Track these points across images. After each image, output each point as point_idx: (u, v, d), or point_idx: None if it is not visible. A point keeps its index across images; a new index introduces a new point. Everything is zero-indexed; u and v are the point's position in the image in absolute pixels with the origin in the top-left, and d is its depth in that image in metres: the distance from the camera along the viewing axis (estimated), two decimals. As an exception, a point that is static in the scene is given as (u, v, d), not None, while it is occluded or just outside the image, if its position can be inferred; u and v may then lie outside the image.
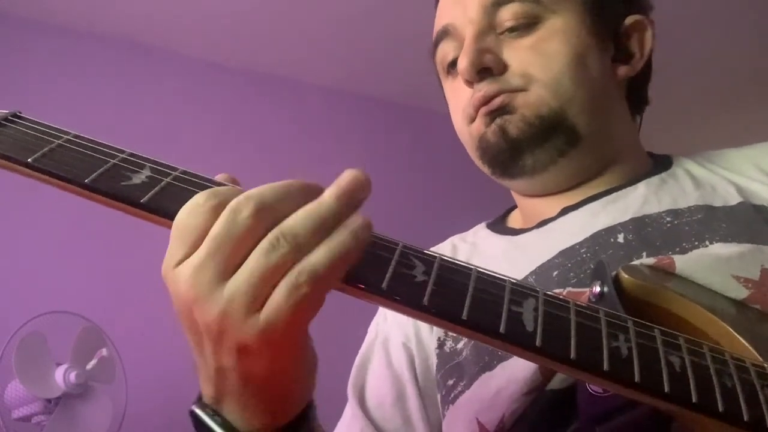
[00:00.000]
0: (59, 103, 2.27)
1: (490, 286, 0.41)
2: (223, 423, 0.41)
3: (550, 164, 0.69)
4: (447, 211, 2.28)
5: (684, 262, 0.57)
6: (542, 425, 0.56)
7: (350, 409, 0.72)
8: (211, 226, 0.38)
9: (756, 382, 0.41)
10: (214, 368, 0.40)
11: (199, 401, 0.43)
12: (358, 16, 2.44)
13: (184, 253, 0.38)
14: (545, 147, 0.68)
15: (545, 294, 0.42)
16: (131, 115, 2.41)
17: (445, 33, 0.74)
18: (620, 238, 0.63)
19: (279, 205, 0.39)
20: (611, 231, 0.64)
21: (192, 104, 2.56)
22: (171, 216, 0.40)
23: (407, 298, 0.39)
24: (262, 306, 0.37)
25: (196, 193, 0.40)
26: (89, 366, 1.79)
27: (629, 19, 0.73)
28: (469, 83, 0.70)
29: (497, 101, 0.68)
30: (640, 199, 0.67)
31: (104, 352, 1.82)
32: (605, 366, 0.39)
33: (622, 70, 0.73)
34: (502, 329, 0.39)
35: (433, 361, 0.69)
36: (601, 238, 0.64)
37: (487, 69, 0.68)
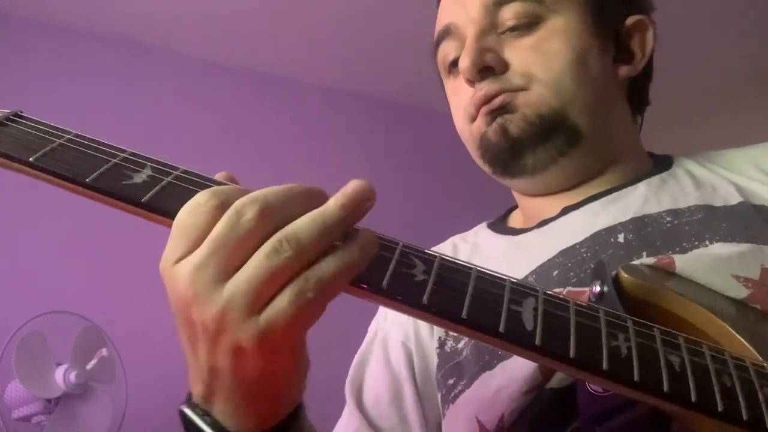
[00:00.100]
0: (59, 103, 2.27)
1: (489, 285, 0.41)
2: (213, 423, 0.41)
3: (551, 163, 0.69)
4: (447, 211, 2.28)
5: (684, 262, 0.57)
6: (542, 424, 0.56)
7: (347, 408, 0.73)
8: (212, 225, 0.38)
9: (755, 382, 0.41)
10: (207, 368, 0.40)
11: (189, 401, 0.43)
12: (358, 16, 2.44)
13: (184, 251, 0.38)
14: (546, 146, 0.68)
15: (545, 293, 0.42)
16: (131, 115, 2.41)
17: (447, 32, 0.74)
18: (620, 238, 0.63)
19: (282, 208, 0.39)
20: (611, 231, 0.64)
21: (192, 104, 2.56)
22: (172, 215, 0.40)
23: (407, 297, 0.39)
24: (261, 308, 0.37)
25: (197, 192, 0.40)
26: (89, 366, 1.79)
27: (630, 20, 0.73)
28: (471, 82, 0.70)
29: (498, 100, 0.68)
30: (640, 199, 0.67)
31: (104, 352, 1.82)
32: (604, 365, 0.39)
33: (624, 70, 0.73)
34: (501, 328, 0.39)
35: (433, 360, 0.70)
36: (601, 238, 0.64)
37: (488, 68, 0.68)
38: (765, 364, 0.43)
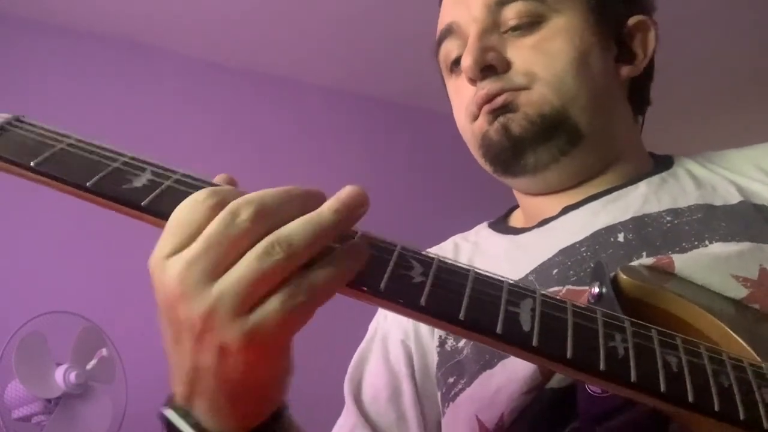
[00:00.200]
0: (59, 103, 2.27)
1: (487, 286, 0.41)
2: (195, 424, 0.41)
3: (552, 163, 0.69)
4: (446, 211, 2.28)
5: (683, 262, 0.57)
6: (542, 424, 0.56)
7: (346, 405, 0.73)
8: (207, 223, 0.38)
9: (753, 382, 0.41)
10: (190, 367, 0.40)
11: (170, 403, 0.42)
12: (358, 16, 2.44)
13: (175, 247, 0.38)
14: (547, 145, 0.68)
15: (542, 294, 0.42)
16: (131, 115, 2.41)
17: (449, 31, 0.74)
18: (620, 238, 0.63)
19: (278, 211, 0.39)
20: (611, 230, 0.64)
21: (192, 104, 2.56)
22: None
23: (405, 299, 0.40)
24: (249, 309, 0.37)
25: None
26: (89, 366, 1.79)
27: (632, 20, 0.74)
28: (473, 81, 0.70)
29: (500, 99, 0.68)
30: (640, 198, 0.67)
31: (104, 352, 1.82)
32: (602, 366, 0.39)
33: (625, 70, 0.73)
34: (498, 329, 0.39)
35: (434, 359, 0.70)
36: (601, 237, 0.64)
37: (490, 67, 0.69)
38: (763, 365, 0.43)
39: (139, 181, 0.43)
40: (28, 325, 1.77)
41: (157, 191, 0.42)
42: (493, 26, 0.70)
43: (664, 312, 0.49)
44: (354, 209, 0.40)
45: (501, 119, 0.69)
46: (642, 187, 0.69)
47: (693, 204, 0.65)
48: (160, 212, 0.41)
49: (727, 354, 0.43)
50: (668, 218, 0.63)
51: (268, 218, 0.38)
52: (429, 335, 0.71)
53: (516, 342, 0.39)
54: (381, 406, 0.70)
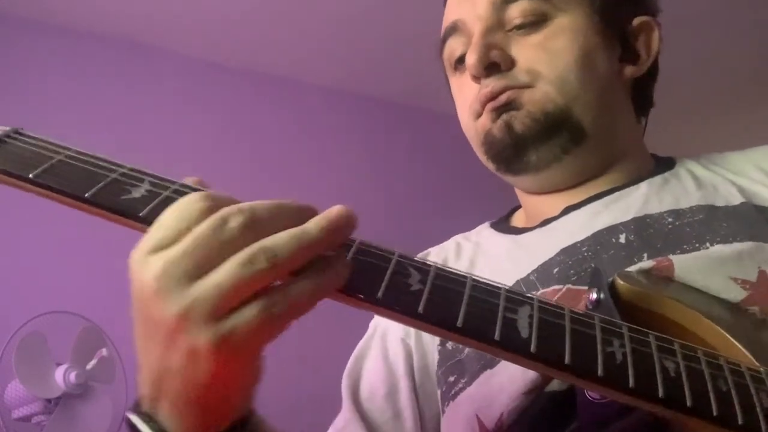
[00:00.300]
0: (59, 103, 2.28)
1: (485, 293, 0.41)
2: (159, 429, 0.40)
3: (554, 161, 0.69)
4: (446, 211, 2.28)
5: (683, 264, 0.57)
6: (542, 425, 0.57)
7: (343, 401, 0.73)
8: (196, 225, 0.38)
9: (751, 387, 0.41)
10: (158, 368, 0.40)
11: (136, 407, 0.42)
12: (358, 16, 2.44)
13: (160, 243, 0.38)
14: (550, 144, 0.68)
15: (540, 301, 0.42)
16: (131, 115, 2.41)
17: (454, 29, 0.74)
18: (621, 238, 0.63)
19: (268, 223, 0.39)
20: (612, 230, 0.64)
21: (192, 104, 2.56)
22: None
23: (403, 307, 0.40)
24: (224, 315, 0.37)
25: None
26: (89, 366, 1.79)
27: (637, 20, 0.74)
28: (477, 79, 0.70)
29: (504, 97, 0.68)
30: (641, 199, 0.67)
31: (104, 352, 1.82)
32: (600, 371, 0.39)
33: (629, 71, 0.73)
34: (497, 336, 0.39)
35: (434, 357, 0.70)
36: (602, 238, 0.64)
37: (494, 65, 0.69)
38: (761, 369, 0.43)
39: (138, 192, 0.43)
40: (28, 325, 1.77)
41: (155, 201, 0.42)
42: (497, 24, 0.70)
43: (662, 317, 0.49)
44: (340, 229, 0.40)
45: (504, 117, 0.69)
46: (643, 188, 0.69)
47: (695, 205, 0.65)
48: None
49: (725, 359, 0.43)
50: (670, 219, 0.63)
51: (256, 228, 0.38)
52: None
53: (514, 348, 0.39)
54: (377, 403, 0.70)
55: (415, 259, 0.43)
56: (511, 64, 0.69)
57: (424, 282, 0.41)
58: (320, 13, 2.42)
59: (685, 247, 0.60)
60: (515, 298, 0.42)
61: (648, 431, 0.47)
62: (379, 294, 0.40)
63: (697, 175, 0.70)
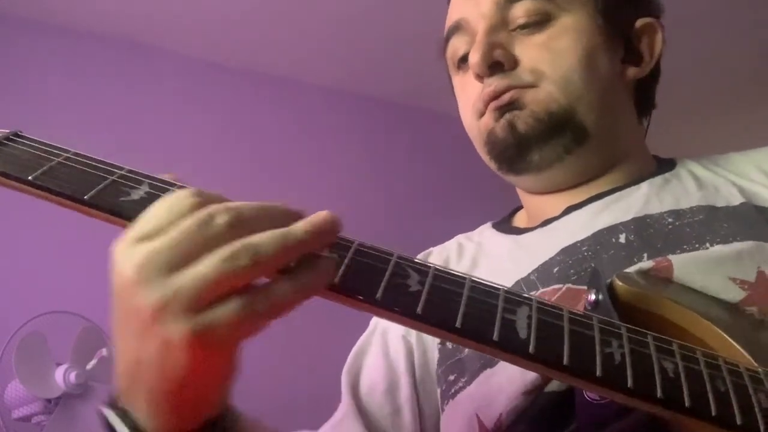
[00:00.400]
0: (59, 103, 2.28)
1: (483, 294, 0.42)
2: (132, 426, 0.40)
3: (557, 161, 0.69)
4: (446, 211, 2.28)
5: (682, 264, 0.57)
6: (541, 425, 0.57)
7: (342, 396, 0.73)
8: (183, 219, 0.38)
9: (749, 387, 0.41)
10: (133, 359, 0.39)
11: (110, 401, 0.42)
12: (358, 16, 2.44)
13: (146, 234, 0.38)
14: (552, 144, 0.69)
15: (538, 302, 0.42)
16: (131, 115, 2.41)
17: (457, 27, 0.74)
18: (622, 238, 0.63)
19: (254, 222, 0.39)
20: (613, 230, 0.64)
21: (192, 104, 2.56)
22: None
23: (402, 308, 0.40)
24: (202, 308, 0.36)
25: None
26: (89, 366, 1.79)
27: (640, 22, 0.74)
28: (480, 78, 0.70)
29: (507, 96, 0.69)
30: (642, 199, 0.67)
31: (104, 352, 1.82)
32: (598, 372, 0.39)
33: (631, 72, 0.73)
34: (495, 337, 0.39)
35: (434, 355, 0.70)
36: (602, 237, 0.64)
37: (498, 64, 0.69)
38: (759, 370, 0.43)
39: (137, 194, 0.44)
40: (28, 325, 1.77)
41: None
42: (501, 23, 0.70)
43: (660, 319, 0.49)
44: (325, 232, 0.40)
45: (507, 116, 0.69)
46: (644, 188, 0.69)
47: (695, 205, 0.65)
48: None
49: (724, 359, 0.43)
50: (670, 219, 0.64)
51: (242, 227, 0.38)
52: None
53: (513, 349, 0.39)
54: (377, 398, 0.70)
55: (414, 260, 0.43)
56: (515, 63, 0.69)
57: (422, 283, 0.41)
58: (320, 13, 2.42)
59: (684, 247, 0.60)
60: (514, 299, 0.42)
61: (648, 432, 0.47)
62: (378, 295, 0.40)
63: (698, 175, 0.70)
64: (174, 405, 0.40)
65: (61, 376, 1.74)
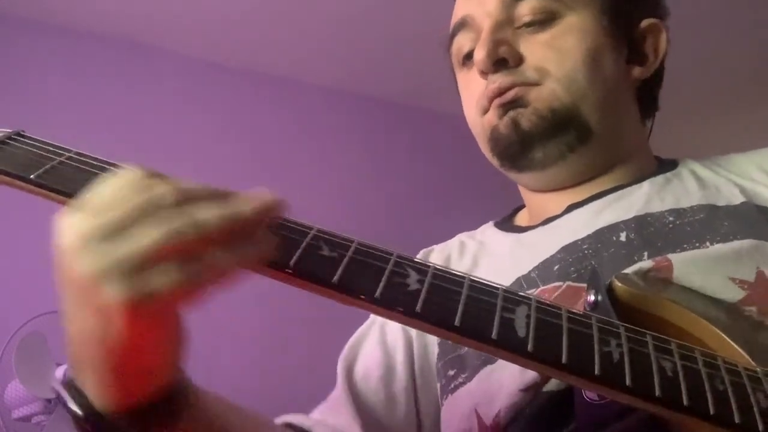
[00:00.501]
0: (59, 103, 2.28)
1: (482, 293, 0.42)
2: (83, 404, 0.40)
3: (560, 159, 0.70)
4: (446, 211, 2.28)
5: (682, 264, 0.57)
6: (540, 424, 0.57)
7: (337, 382, 0.73)
8: (131, 195, 0.38)
9: (748, 386, 0.41)
10: (77, 331, 0.39)
11: (68, 382, 0.42)
12: (358, 16, 2.44)
13: (91, 206, 0.38)
14: (555, 141, 0.69)
15: (537, 301, 0.42)
16: (131, 115, 2.41)
17: (463, 24, 0.74)
18: (622, 237, 0.63)
19: (201, 201, 0.38)
20: (614, 229, 0.64)
21: (192, 104, 2.56)
22: None
23: (401, 306, 0.40)
24: (139, 275, 0.36)
25: None
26: (89, 366, 1.79)
27: (645, 23, 0.74)
28: (484, 74, 0.71)
29: (511, 94, 0.69)
30: (643, 198, 0.68)
31: (104, 352, 1.82)
32: (596, 370, 0.39)
33: (636, 72, 0.74)
34: (494, 335, 0.39)
35: (434, 349, 0.70)
36: (603, 236, 0.64)
37: (502, 61, 0.69)
38: (758, 369, 0.44)
39: None
40: (28, 325, 1.77)
41: None
42: (507, 21, 0.70)
43: (659, 319, 0.49)
44: (267, 210, 0.40)
45: (511, 113, 0.69)
46: (645, 187, 0.69)
47: (696, 204, 0.65)
48: None
49: (722, 359, 0.43)
50: (670, 218, 0.64)
51: (188, 203, 0.38)
52: None
53: (511, 348, 0.40)
54: (371, 384, 0.70)
55: (414, 259, 0.43)
56: (520, 60, 0.69)
57: (422, 282, 0.41)
58: (320, 13, 2.42)
59: (684, 246, 0.60)
60: (512, 297, 0.42)
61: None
62: (378, 293, 0.40)
63: (700, 175, 0.70)
64: (118, 376, 0.40)
65: (62, 376, 1.74)
